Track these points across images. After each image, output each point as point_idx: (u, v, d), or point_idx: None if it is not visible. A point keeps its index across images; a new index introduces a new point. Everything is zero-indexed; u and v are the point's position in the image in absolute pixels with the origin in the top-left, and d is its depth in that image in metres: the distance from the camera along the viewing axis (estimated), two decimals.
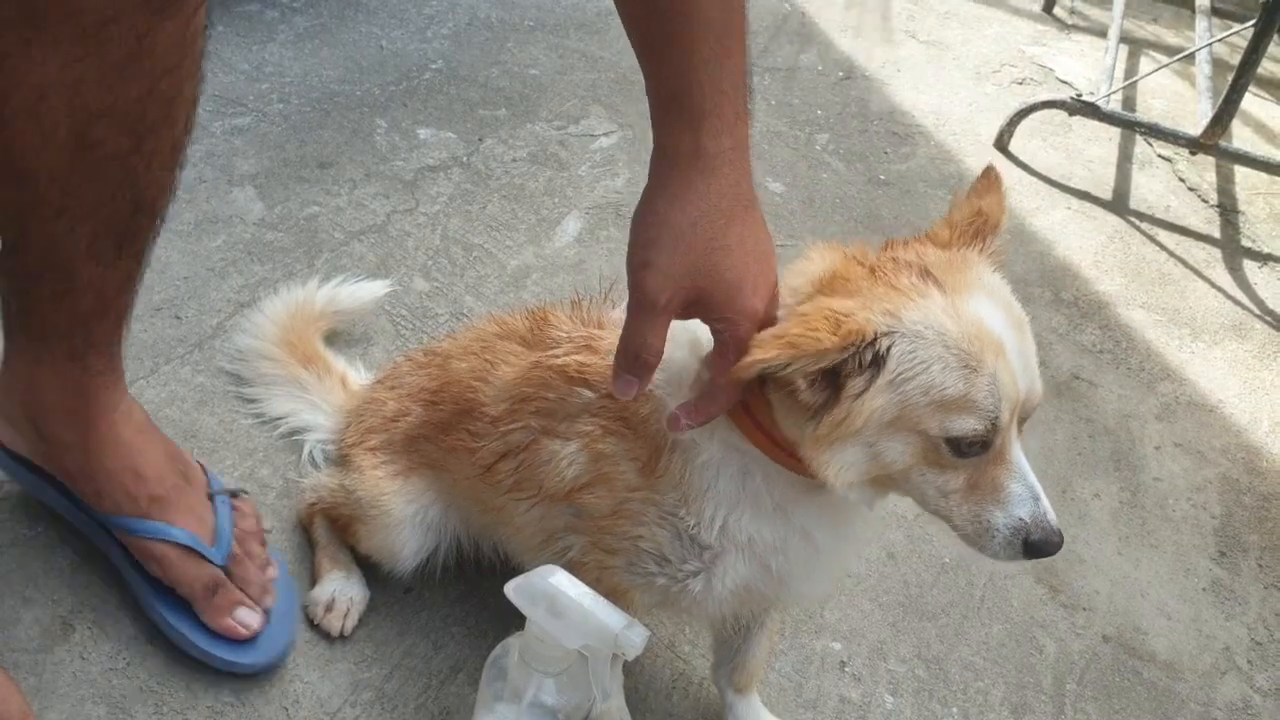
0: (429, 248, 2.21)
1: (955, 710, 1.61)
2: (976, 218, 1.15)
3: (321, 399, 1.71)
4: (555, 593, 1.06)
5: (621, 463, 1.19)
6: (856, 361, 1.02)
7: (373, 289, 1.91)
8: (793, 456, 1.10)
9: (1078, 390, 2.24)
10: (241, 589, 1.42)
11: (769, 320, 1.07)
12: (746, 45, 1.02)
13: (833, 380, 1.04)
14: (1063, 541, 1.09)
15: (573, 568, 1.27)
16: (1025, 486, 1.07)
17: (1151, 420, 2.21)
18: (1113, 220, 2.81)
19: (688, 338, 1.15)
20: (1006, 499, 1.07)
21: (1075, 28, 3.68)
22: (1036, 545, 1.07)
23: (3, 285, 1.31)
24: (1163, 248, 2.75)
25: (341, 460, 1.58)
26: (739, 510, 1.16)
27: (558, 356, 1.28)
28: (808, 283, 1.10)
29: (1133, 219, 2.83)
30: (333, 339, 1.88)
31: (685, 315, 1.06)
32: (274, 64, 2.63)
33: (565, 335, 1.32)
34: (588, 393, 1.23)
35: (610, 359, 1.13)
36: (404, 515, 1.46)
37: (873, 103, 3.06)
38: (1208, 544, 1.98)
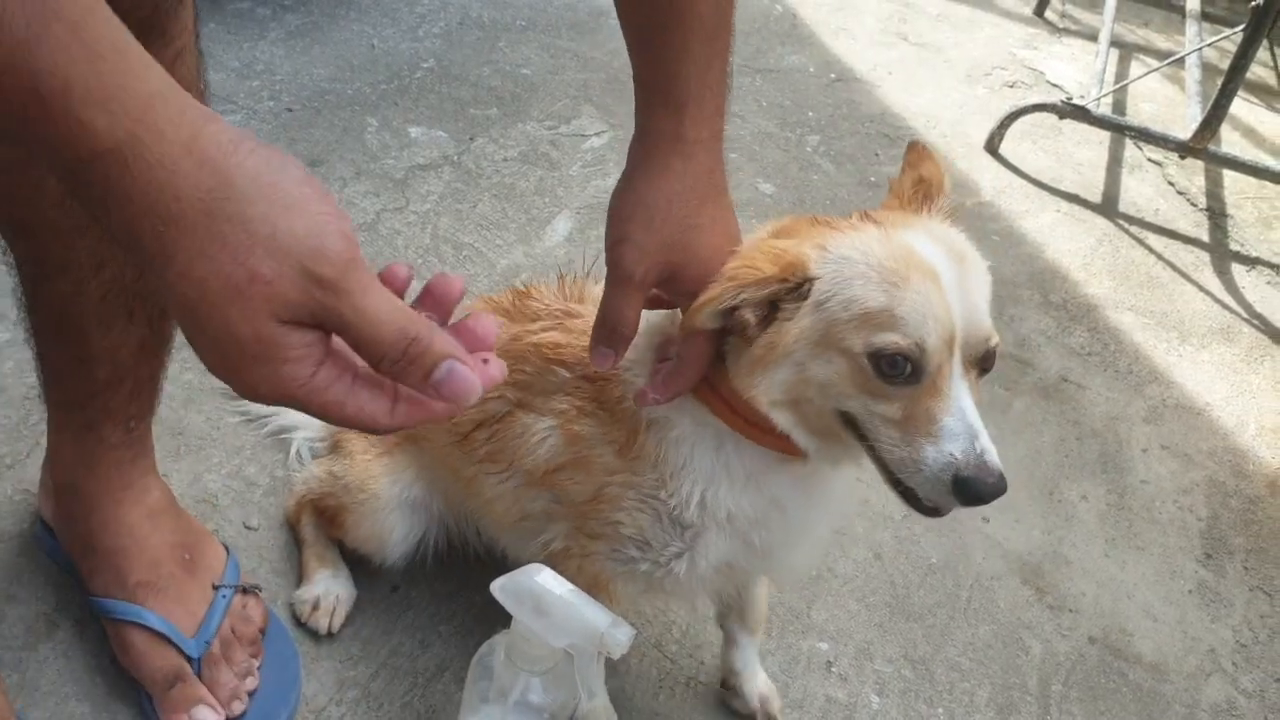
0: (419, 246, 2.21)
1: (941, 711, 1.61)
2: (920, 185, 1.15)
3: None
4: (541, 591, 1.05)
5: (598, 446, 1.20)
6: (796, 295, 1.05)
7: None
8: (754, 425, 1.11)
9: (1066, 392, 2.25)
10: (210, 689, 1.35)
11: None
12: (732, 47, 1.06)
13: (775, 314, 1.07)
14: (1003, 485, 1.00)
15: (554, 557, 1.28)
16: (962, 423, 1.01)
17: (1139, 423, 2.22)
18: (1102, 223, 2.82)
19: (647, 325, 1.16)
20: (939, 432, 1.01)
21: (1066, 31, 3.70)
22: (967, 483, 1.00)
23: (32, 352, 1.32)
24: (1151, 251, 2.76)
25: (333, 448, 1.58)
26: (715, 484, 1.15)
27: (534, 333, 1.29)
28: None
29: (1122, 222, 2.84)
30: None
31: (659, 291, 1.10)
32: (265, 61, 2.62)
33: (544, 308, 1.33)
34: (564, 372, 1.23)
35: (582, 340, 1.15)
36: (390, 496, 1.46)
37: (864, 105, 3.06)
38: (1194, 546, 1.99)
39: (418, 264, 2.16)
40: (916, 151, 1.19)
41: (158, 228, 0.62)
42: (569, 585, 1.07)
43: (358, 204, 2.27)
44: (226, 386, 0.69)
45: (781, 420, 1.10)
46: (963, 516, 1.90)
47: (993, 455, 1.01)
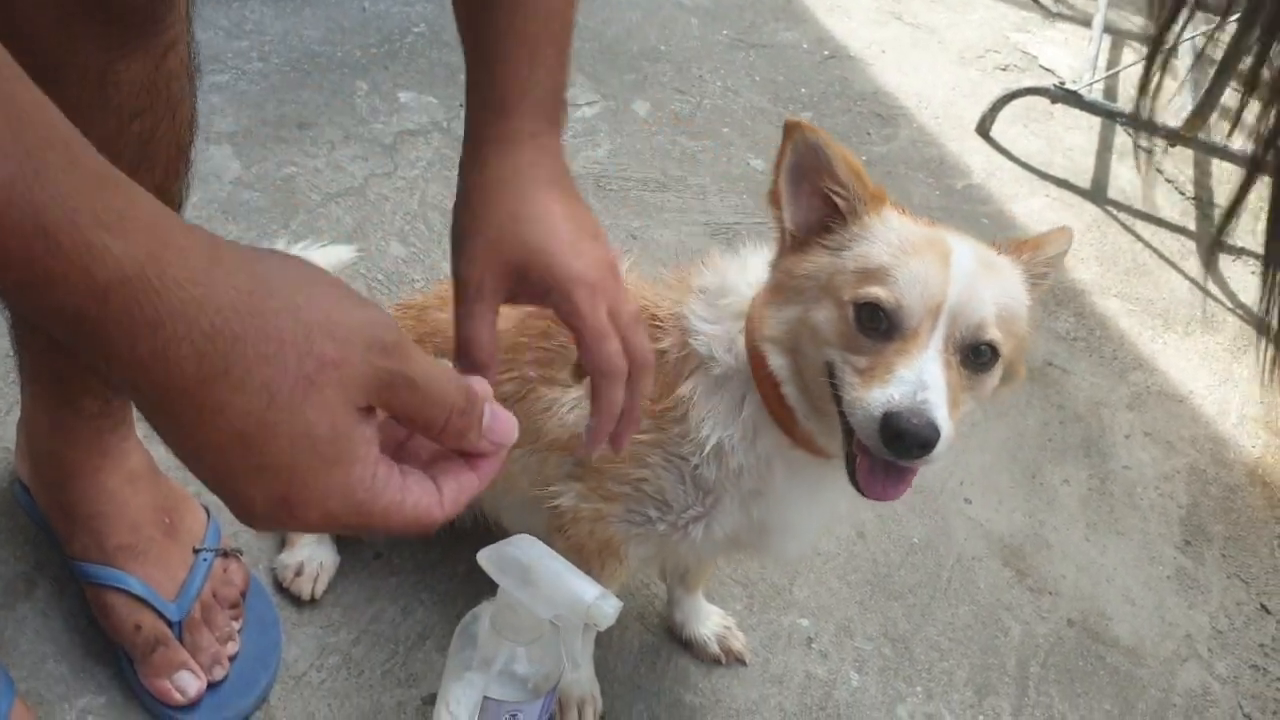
0: (407, 212, 2.19)
1: (919, 689, 1.62)
2: (1023, 242, 1.19)
3: None
4: (529, 562, 1.05)
5: None
6: (843, 228, 1.13)
7: (338, 253, 1.88)
8: (784, 411, 1.15)
9: (1050, 377, 2.25)
10: (191, 653, 1.34)
11: (618, 298, 0.98)
12: (568, 62, 1.02)
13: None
14: (930, 433, 1.01)
15: (565, 521, 1.29)
16: (915, 376, 1.04)
17: (1122, 409, 2.23)
18: (1090, 209, 2.83)
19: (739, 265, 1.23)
20: (890, 379, 1.04)
21: (1060, 16, 3.69)
22: (892, 418, 1.01)
23: (7, 324, 1.30)
24: (1139, 238, 2.76)
25: None
26: (731, 430, 1.19)
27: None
28: None
29: (1110, 208, 2.85)
30: None
31: (518, 299, 1.00)
32: (254, 21, 2.59)
33: None
34: None
35: None
36: None
37: (857, 83, 3.05)
38: (1173, 533, 2.00)
39: (405, 230, 2.14)
40: (1061, 232, 1.23)
41: (201, 348, 0.56)
42: (557, 557, 1.07)
43: (346, 168, 2.24)
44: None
45: (776, 364, 1.13)
46: (945, 497, 1.91)
47: (933, 407, 1.02)
